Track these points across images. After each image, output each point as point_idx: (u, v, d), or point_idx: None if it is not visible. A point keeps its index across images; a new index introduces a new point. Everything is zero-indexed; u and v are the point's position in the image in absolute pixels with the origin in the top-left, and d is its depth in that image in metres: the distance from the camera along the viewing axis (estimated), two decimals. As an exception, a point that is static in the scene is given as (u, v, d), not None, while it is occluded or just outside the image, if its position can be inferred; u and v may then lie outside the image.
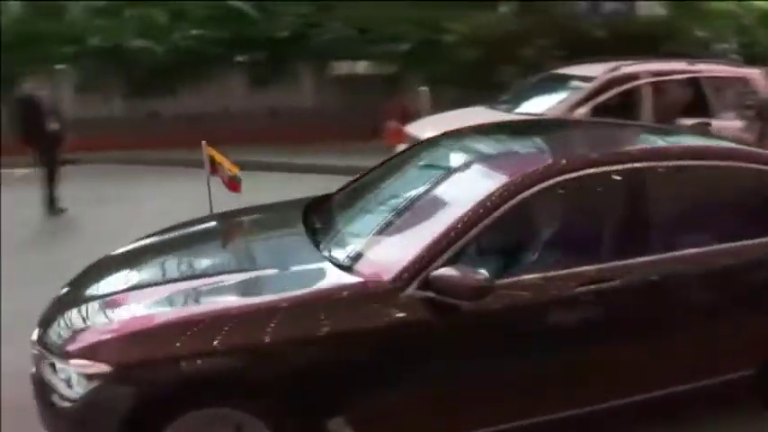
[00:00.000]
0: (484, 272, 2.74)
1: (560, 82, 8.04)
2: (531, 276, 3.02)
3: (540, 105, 7.69)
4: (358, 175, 4.07)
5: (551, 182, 3.04)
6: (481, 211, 2.92)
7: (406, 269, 2.80)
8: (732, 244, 3.33)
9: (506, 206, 2.93)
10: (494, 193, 2.96)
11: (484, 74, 10.68)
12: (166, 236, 3.92)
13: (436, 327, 2.81)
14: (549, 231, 3.29)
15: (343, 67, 12.35)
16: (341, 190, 3.99)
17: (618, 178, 3.23)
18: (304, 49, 11.89)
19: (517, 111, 7.77)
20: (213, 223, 4.10)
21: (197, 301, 2.93)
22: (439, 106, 8.90)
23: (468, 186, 3.20)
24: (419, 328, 2.79)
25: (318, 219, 3.59)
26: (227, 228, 4.02)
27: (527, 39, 10.97)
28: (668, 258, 3.16)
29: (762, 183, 3.49)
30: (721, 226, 3.42)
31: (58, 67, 12.05)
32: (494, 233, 2.99)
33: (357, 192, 3.82)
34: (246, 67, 12.29)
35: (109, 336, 2.77)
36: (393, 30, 11.67)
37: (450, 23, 11.38)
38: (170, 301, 2.95)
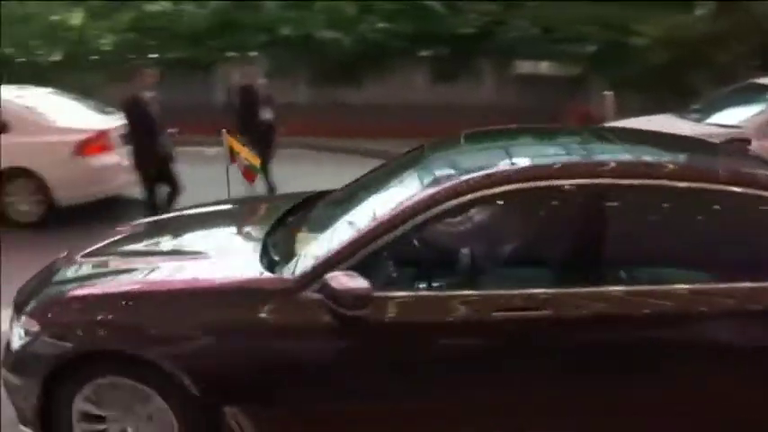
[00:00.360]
0: (364, 282, 2.73)
1: (760, 92, 7.74)
2: (434, 294, 3.00)
3: (733, 117, 7.50)
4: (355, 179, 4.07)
5: (463, 199, 2.92)
6: (390, 223, 2.90)
7: (308, 271, 2.89)
8: (682, 286, 2.87)
9: (415, 220, 2.89)
10: (405, 207, 2.94)
11: (673, 79, 10.44)
12: (166, 216, 4.45)
13: (324, 330, 2.84)
14: (464, 249, 3.16)
15: (526, 67, 12.46)
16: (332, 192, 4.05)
17: (543, 196, 3.04)
18: (488, 47, 12.13)
19: (708, 122, 7.60)
20: (210, 209, 4.42)
21: (129, 278, 3.27)
22: (624, 112, 8.84)
23: (394, 198, 3.11)
24: (310, 329, 2.86)
25: (291, 216, 3.77)
26: (215, 215, 4.30)
27: (724, 42, 10.54)
28: (595, 294, 2.83)
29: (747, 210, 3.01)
30: (673, 262, 3.02)
31: (251, 54, 13.10)
32: (404, 246, 2.97)
33: (332, 195, 3.94)
34: (430, 61, 12.73)
35: (49, 300, 3.26)
36: (579, 30, 11.62)
37: (640, 25, 11.17)
38: (110, 275, 3.41)
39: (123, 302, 3.09)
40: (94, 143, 7.65)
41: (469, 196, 2.92)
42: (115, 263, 3.55)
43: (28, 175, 7.58)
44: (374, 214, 3.01)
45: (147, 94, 6.93)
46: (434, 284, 3.06)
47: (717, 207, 3.03)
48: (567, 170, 3.04)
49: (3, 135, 7.54)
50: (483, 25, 12.25)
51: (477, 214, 3.14)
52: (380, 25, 12.54)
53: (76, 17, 14.14)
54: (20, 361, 3.14)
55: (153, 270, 3.30)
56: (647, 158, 3.22)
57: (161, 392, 2.93)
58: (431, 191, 2.97)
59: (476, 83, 12.56)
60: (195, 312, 2.96)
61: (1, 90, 8.19)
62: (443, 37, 12.26)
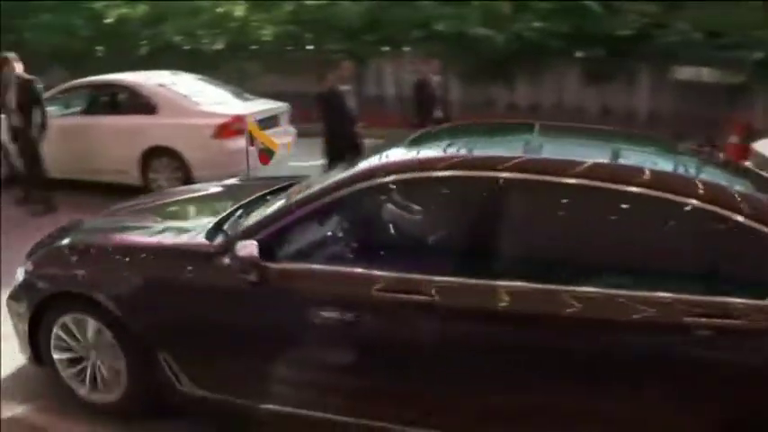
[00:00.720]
0: (255, 252, 3.18)
1: None
2: (323, 268, 3.31)
3: None
4: None
5: (368, 183, 3.28)
6: (304, 202, 3.40)
7: (223, 241, 3.49)
8: (583, 289, 2.92)
9: (326, 199, 3.32)
10: (321, 187, 3.43)
11: None
12: (175, 191, 5.36)
13: (232, 291, 3.37)
14: (361, 231, 3.53)
15: (685, 72, 12.17)
16: None
17: (443, 185, 3.29)
18: (646, 50, 11.98)
19: None
20: (222, 185, 5.30)
21: (99, 236, 4.18)
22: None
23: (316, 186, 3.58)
24: (222, 290, 3.41)
25: (264, 196, 4.29)
26: (221, 190, 5.08)
27: None
28: (486, 287, 2.96)
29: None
30: (556, 261, 3.10)
31: (405, 49, 13.51)
32: (308, 225, 3.38)
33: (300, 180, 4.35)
34: (584, 62, 12.70)
35: (44, 251, 4.19)
36: (746, 35, 11.25)
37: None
38: (90, 234, 4.30)
39: (87, 254, 3.96)
40: (231, 127, 8.21)
41: (365, 184, 3.30)
42: (101, 226, 4.49)
43: (171, 155, 8.41)
44: (290, 198, 3.63)
45: (343, 87, 7.31)
46: (330, 260, 3.36)
47: (615, 207, 3.09)
48: (462, 162, 3.30)
49: (152, 116, 8.57)
50: (641, 27, 12.12)
51: (375, 200, 3.46)
52: (536, 24, 12.60)
53: (239, 9, 14.99)
54: (18, 293, 4.09)
55: (122, 231, 4.16)
56: (561, 156, 3.34)
57: (110, 329, 3.71)
58: (334, 179, 3.48)
59: (630, 87, 12.49)
60: (137, 266, 3.70)
61: (151, 75, 9.50)
62: (599, 38, 12.22)
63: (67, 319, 3.84)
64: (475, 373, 3.03)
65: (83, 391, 3.91)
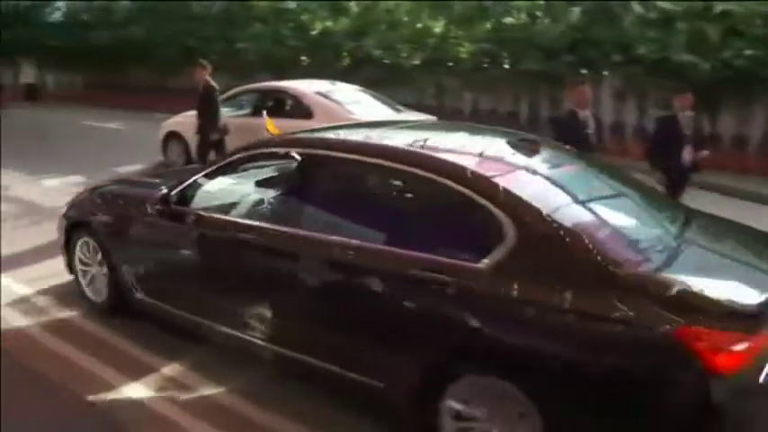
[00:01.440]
0: (163, 194, 4.92)
1: None
2: (207, 214, 4.68)
3: None
4: None
5: (252, 152, 4.80)
6: (206, 168, 5.13)
7: (163, 192, 5.00)
8: (375, 246, 3.80)
9: (223, 163, 4.99)
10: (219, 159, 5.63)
11: None
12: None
13: (158, 226, 4.95)
14: (252, 190, 4.99)
15: None
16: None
17: (296, 159, 4.44)
18: None
19: None
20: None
21: (109, 188, 6.00)
22: None
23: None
24: (153, 224, 4.98)
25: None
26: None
27: None
28: (304, 236, 4.09)
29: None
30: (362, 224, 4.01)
31: (604, 73, 13.48)
32: (211, 182, 4.91)
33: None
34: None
35: (78, 194, 6.20)
36: None
37: None
38: (106, 187, 6.02)
39: (94, 199, 5.79)
40: None
41: (250, 152, 4.80)
42: (114, 184, 6.22)
43: None
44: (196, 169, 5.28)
45: (582, 112, 6.88)
46: (207, 209, 4.75)
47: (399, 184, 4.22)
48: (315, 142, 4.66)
49: (308, 120, 9.45)
50: None
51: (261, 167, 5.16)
52: (748, 52, 12.19)
53: (438, 25, 15.61)
54: (59, 223, 5.95)
55: (119, 186, 6.15)
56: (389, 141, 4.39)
57: (100, 249, 5.48)
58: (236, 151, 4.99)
59: None
60: (116, 206, 5.54)
61: (313, 82, 10.80)
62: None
63: (81, 240, 5.63)
64: (279, 291, 4.22)
65: (89, 294, 5.68)
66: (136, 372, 4.61)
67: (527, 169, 4.00)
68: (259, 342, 4.34)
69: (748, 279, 3.42)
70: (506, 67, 14.55)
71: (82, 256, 5.69)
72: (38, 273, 6.39)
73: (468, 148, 4.21)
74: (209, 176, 4.95)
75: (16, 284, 6.18)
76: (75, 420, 4.06)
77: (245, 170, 5.10)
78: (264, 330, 4.32)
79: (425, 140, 4.23)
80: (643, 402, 3.05)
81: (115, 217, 5.43)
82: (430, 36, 15.50)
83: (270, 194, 4.86)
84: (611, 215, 3.72)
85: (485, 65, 14.74)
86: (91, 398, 4.27)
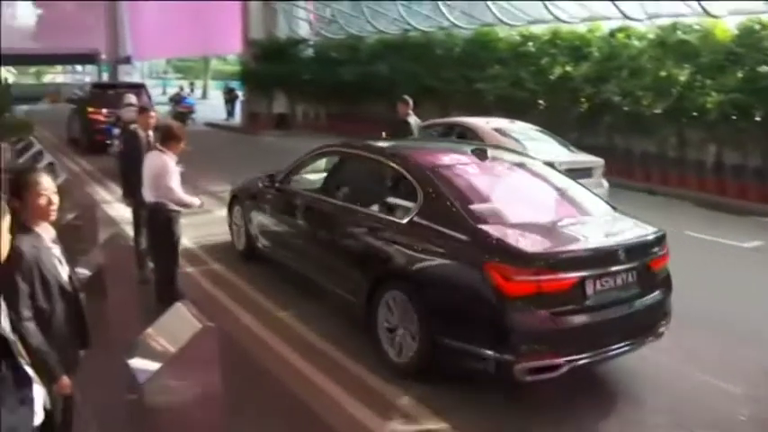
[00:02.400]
0: (271, 178, 8.43)
1: None
2: (330, 197, 7.26)
3: None
4: None
5: (320, 151, 8.19)
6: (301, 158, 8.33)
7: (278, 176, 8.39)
8: (351, 206, 6.77)
9: (305, 157, 8.22)
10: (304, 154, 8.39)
11: None
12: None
13: (274, 199, 8.20)
14: (332, 181, 7.67)
15: None
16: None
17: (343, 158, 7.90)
18: None
19: None
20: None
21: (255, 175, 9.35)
22: None
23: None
24: (266, 193, 8.43)
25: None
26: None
27: None
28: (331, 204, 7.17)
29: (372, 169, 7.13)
30: (381, 201, 6.43)
31: None
32: (310, 170, 8.25)
33: None
34: None
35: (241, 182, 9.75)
36: None
37: None
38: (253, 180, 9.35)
39: (245, 183, 9.34)
40: None
41: (319, 151, 8.20)
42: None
43: None
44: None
45: None
46: (298, 184, 8.12)
47: (386, 169, 6.75)
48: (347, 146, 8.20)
49: None
50: None
51: (341, 163, 7.89)
52: None
53: (684, 73, 15.32)
54: (230, 194, 9.90)
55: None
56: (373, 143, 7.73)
57: (242, 214, 9.20)
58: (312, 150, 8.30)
59: None
60: (252, 184, 9.14)
61: (492, 120, 12.44)
62: None
63: (235, 207, 9.30)
64: (355, 236, 6.48)
65: (236, 244, 9.26)
66: (247, 303, 7.56)
67: (460, 164, 6.42)
68: (302, 269, 7.50)
69: (558, 237, 5.50)
70: (757, 119, 13.98)
71: (234, 218, 9.28)
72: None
73: (439, 152, 7.29)
74: (299, 166, 8.18)
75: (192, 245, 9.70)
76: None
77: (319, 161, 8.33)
78: (306, 261, 7.40)
79: (418, 144, 8.74)
80: (466, 304, 5.22)
81: (248, 191, 9.00)
82: (674, 84, 15.26)
83: (323, 176, 7.95)
84: (497, 194, 6.06)
85: (733, 116, 14.25)
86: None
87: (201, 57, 58.47)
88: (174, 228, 7.09)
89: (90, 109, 20.59)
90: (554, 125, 17.55)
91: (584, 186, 6.73)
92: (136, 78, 56.11)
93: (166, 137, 7.11)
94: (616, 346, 5.31)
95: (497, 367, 5.00)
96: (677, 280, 6.01)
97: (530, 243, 5.17)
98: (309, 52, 30.68)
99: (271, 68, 29.21)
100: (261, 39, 30.99)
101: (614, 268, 5.26)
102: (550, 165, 7.24)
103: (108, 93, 21.49)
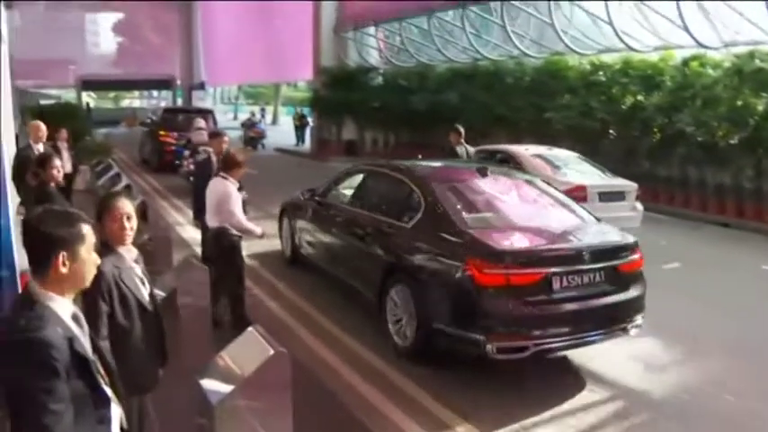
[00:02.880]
0: (311, 190, 10.08)
1: None
2: (357, 207, 8.46)
3: None
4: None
5: (353, 169, 9.64)
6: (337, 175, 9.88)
7: (319, 190, 9.86)
8: (370, 213, 8.04)
9: (342, 174, 9.70)
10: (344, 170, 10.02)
11: None
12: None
13: (310, 208, 9.66)
14: (366, 192, 8.69)
15: None
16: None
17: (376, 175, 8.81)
18: None
19: None
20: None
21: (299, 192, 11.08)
22: None
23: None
24: (307, 207, 9.77)
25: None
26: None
27: None
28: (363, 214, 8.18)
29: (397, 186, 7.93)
30: (393, 209, 7.70)
31: None
32: (344, 186, 9.44)
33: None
34: None
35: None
36: None
37: None
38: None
39: (293, 197, 10.73)
40: (572, 193, 10.05)
41: (352, 169, 9.66)
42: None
43: None
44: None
45: None
46: (334, 198, 9.37)
47: (399, 183, 7.84)
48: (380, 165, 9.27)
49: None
50: None
51: (367, 178, 8.92)
52: None
53: (762, 103, 15.03)
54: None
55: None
56: (400, 162, 8.83)
57: (290, 225, 10.62)
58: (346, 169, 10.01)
59: None
60: (296, 199, 10.59)
61: (530, 147, 13.27)
62: None
63: (284, 219, 10.59)
64: (373, 238, 7.69)
65: (285, 250, 10.56)
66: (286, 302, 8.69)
67: (462, 180, 7.58)
68: (336, 272, 8.59)
69: (532, 240, 6.51)
70: None
71: (283, 229, 10.58)
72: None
73: (447, 169, 8.56)
74: (335, 181, 9.53)
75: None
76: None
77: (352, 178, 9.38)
78: (338, 264, 8.54)
79: (431, 164, 9.20)
80: (452, 294, 6.29)
81: (294, 204, 10.32)
82: (751, 114, 14.98)
83: (353, 190, 8.97)
84: (488, 204, 7.14)
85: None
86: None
87: (272, 83, 59.83)
88: (237, 252, 7.38)
89: (161, 132, 22.45)
90: (625, 156, 17.60)
91: (571, 199, 7.99)
92: (208, 103, 57.92)
93: (228, 163, 7.47)
94: (583, 335, 6.22)
95: (474, 346, 5.99)
96: (749, 315, 6.00)
97: (504, 243, 6.25)
98: (379, 80, 31.18)
99: (340, 95, 29.78)
100: (331, 66, 31.73)
101: (580, 267, 6.19)
102: (547, 182, 8.40)
103: (178, 117, 23.36)
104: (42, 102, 39.60)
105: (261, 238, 7.95)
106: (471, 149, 12.96)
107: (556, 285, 6.08)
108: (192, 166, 14.05)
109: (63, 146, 12.18)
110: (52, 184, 7.08)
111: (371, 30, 30.93)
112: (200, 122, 17.75)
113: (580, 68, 20.00)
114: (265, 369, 3.99)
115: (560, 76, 20.47)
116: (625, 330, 6.47)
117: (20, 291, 6.26)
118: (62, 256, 2.55)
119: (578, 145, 19.23)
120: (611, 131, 18.33)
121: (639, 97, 17.52)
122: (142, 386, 3.80)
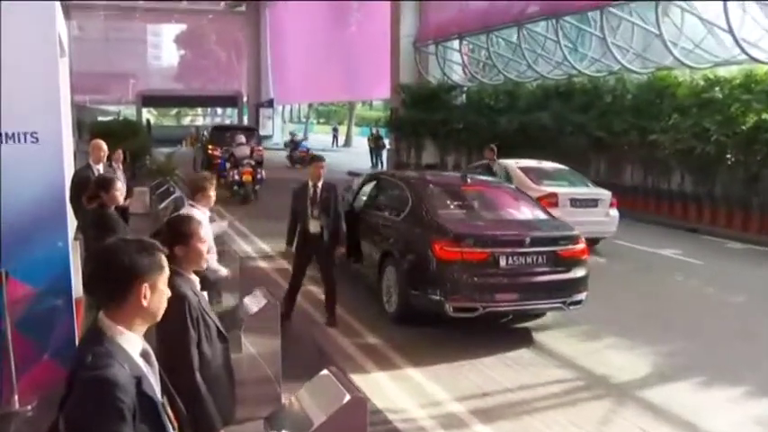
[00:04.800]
0: (344, 194, 11.76)
1: None
2: (370, 209, 11.25)
3: None
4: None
5: (380, 177, 12.79)
6: (362, 181, 13.35)
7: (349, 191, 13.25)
8: (377, 211, 10.93)
9: (364, 179, 13.18)
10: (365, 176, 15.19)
11: None
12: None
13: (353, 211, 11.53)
14: (376, 196, 11.51)
15: None
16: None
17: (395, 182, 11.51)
18: None
19: None
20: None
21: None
22: None
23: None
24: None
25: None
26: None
27: None
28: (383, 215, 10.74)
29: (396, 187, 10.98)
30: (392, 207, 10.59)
31: None
32: (364, 191, 12.12)
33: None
34: None
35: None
36: None
37: None
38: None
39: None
40: (544, 199, 12.85)
41: (374, 177, 12.81)
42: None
43: None
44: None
45: None
46: (366, 202, 11.63)
47: (398, 187, 10.90)
48: (396, 174, 13.44)
49: (510, 186, 12.92)
50: None
51: (377, 185, 11.81)
52: None
53: None
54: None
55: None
56: (412, 173, 14.94)
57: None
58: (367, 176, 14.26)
59: None
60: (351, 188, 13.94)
61: (520, 161, 15.92)
62: None
63: None
64: (377, 230, 10.50)
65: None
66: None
67: (445, 185, 11.12)
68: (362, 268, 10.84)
69: (487, 228, 9.47)
70: None
71: None
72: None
73: (437, 177, 12.61)
74: (359, 189, 11.87)
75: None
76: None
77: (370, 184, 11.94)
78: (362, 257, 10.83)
79: (426, 173, 14.09)
80: (423, 267, 8.89)
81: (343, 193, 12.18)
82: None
83: (372, 195, 11.32)
84: (460, 202, 10.28)
85: None
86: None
87: (346, 102, 60.37)
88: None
89: (210, 146, 28.05)
90: (747, 182, 16.81)
91: (542, 205, 10.90)
92: (277, 122, 58.71)
93: (192, 189, 6.86)
94: (524, 302, 8.90)
95: (437, 305, 8.62)
96: None
97: (462, 229, 8.96)
98: (462, 98, 31.02)
99: (420, 115, 29.73)
100: (410, 83, 31.75)
101: (523, 250, 8.71)
102: (518, 189, 11.53)
103: (225, 134, 28.88)
104: (100, 118, 40.91)
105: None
106: (512, 164, 15.46)
107: (502, 263, 8.64)
108: (236, 177, 21.95)
109: (118, 167, 12.29)
110: (112, 208, 7.01)
111: (455, 43, 30.58)
112: (241, 138, 24.60)
113: (692, 84, 19.26)
114: (341, 416, 3.83)
115: (668, 93, 19.85)
116: (564, 304, 8.87)
117: (74, 318, 6.27)
118: (144, 287, 2.56)
119: (689, 172, 18.55)
120: (728, 155, 17.59)
121: (765, 116, 16.65)
122: (223, 420, 3.67)
